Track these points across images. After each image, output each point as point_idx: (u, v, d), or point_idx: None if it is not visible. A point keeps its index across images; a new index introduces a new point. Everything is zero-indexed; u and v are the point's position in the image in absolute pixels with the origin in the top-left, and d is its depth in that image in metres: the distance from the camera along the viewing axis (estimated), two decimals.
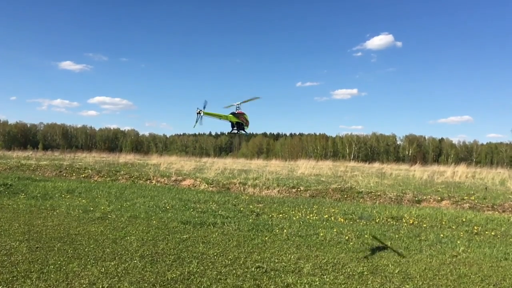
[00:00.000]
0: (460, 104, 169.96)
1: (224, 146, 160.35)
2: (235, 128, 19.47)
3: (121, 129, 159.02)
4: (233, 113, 19.13)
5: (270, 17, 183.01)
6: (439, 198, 17.34)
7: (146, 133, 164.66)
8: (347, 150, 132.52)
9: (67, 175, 24.06)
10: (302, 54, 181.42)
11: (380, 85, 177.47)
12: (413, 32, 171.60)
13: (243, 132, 19.76)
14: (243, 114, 19.54)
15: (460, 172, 29.76)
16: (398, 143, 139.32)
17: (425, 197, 17.54)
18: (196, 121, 17.69)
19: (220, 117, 18.79)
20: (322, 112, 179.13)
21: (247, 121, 19.75)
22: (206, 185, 20.85)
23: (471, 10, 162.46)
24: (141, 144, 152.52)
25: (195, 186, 21.01)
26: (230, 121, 19.40)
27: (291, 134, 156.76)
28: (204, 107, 17.62)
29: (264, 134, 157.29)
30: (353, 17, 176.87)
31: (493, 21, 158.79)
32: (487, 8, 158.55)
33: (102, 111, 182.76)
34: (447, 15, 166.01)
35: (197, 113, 17.53)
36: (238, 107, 19.27)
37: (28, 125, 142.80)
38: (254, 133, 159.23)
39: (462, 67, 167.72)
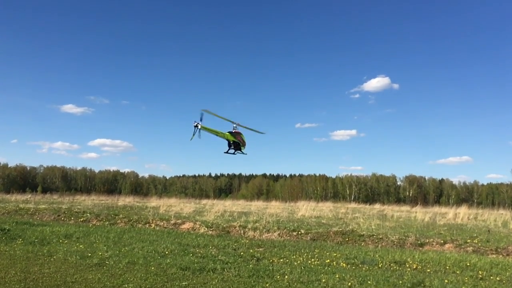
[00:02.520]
0: (459, 145, 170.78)
1: (223, 188, 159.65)
2: (232, 147, 19.34)
3: (120, 171, 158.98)
4: (230, 132, 19.10)
5: (270, 60, 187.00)
6: (442, 241, 17.11)
7: (146, 175, 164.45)
8: (347, 191, 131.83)
9: (65, 219, 23.82)
10: (301, 96, 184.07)
11: (378, 126, 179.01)
12: (409, 75, 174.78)
13: (240, 152, 19.63)
14: (240, 134, 19.48)
15: (462, 214, 29.54)
16: (398, 183, 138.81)
17: (427, 240, 17.31)
18: (193, 134, 17.61)
19: (217, 133, 18.70)
20: (322, 153, 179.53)
21: (243, 141, 19.67)
22: (206, 228, 20.61)
23: (466, 51, 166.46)
24: (140, 186, 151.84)
25: (195, 229, 20.77)
26: (227, 139, 19.28)
27: (290, 175, 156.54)
28: (201, 119, 17.54)
29: (264, 175, 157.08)
30: (350, 60, 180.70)
31: (490, 62, 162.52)
32: (482, 49, 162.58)
33: (102, 153, 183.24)
34: (442, 58, 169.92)
35: (194, 126, 17.45)
36: (236, 126, 19.27)
37: (28, 168, 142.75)
38: (254, 174, 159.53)
39: (459, 108, 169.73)
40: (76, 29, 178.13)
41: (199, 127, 17.57)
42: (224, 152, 19.57)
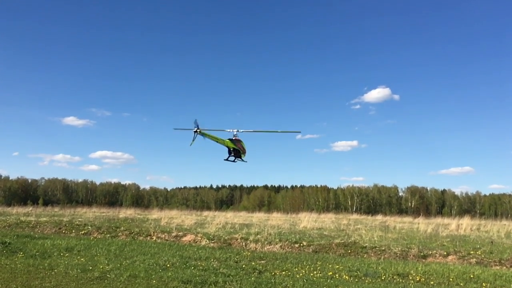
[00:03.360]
0: (460, 155, 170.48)
1: (225, 199, 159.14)
2: (232, 154, 19.23)
3: (122, 183, 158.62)
4: (230, 139, 19.01)
5: (269, 72, 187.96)
6: (445, 252, 17.00)
7: (147, 187, 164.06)
8: (349, 202, 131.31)
9: (66, 232, 23.75)
10: (301, 107, 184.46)
11: (379, 137, 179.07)
12: (410, 85, 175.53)
13: (240, 159, 19.52)
14: (240, 141, 19.40)
15: (465, 225, 29.40)
16: (400, 194, 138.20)
17: (430, 252, 17.20)
18: (193, 140, 17.57)
19: (217, 140, 18.60)
20: (323, 164, 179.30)
21: (244, 149, 19.57)
22: (207, 240, 20.51)
23: (467, 61, 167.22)
24: (141, 198, 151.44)
25: (196, 242, 20.67)
26: (227, 146, 19.18)
27: (292, 187, 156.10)
28: (198, 126, 17.50)
29: (265, 187, 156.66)
30: (350, 71, 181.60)
31: (491, 72, 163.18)
32: (483, 59, 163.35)
33: (104, 165, 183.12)
34: (443, 68, 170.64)
35: (194, 132, 17.42)
36: (236, 134, 19.19)
37: (29, 181, 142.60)
38: (255, 185, 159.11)
39: (460, 118, 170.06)
40: (77, 41, 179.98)
41: (198, 132, 17.53)
42: (224, 159, 19.50)
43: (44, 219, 28.95)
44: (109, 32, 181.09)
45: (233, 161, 19.55)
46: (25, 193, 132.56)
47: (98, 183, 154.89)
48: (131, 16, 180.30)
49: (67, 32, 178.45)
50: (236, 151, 19.32)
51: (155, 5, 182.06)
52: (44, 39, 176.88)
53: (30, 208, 51.04)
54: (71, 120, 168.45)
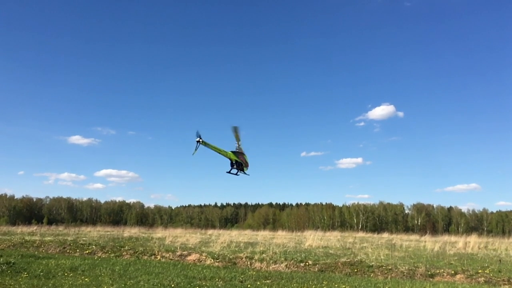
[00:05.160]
0: (466, 172, 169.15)
1: (229, 217, 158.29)
2: (235, 167, 19.18)
3: (126, 201, 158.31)
4: (233, 151, 18.98)
5: (274, 89, 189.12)
6: (453, 271, 16.77)
7: (151, 205, 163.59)
8: (355, 220, 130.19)
9: (70, 251, 23.67)
10: (306, 125, 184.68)
11: (384, 154, 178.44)
12: (414, 102, 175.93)
13: (242, 172, 19.45)
14: (243, 154, 19.38)
15: (472, 243, 29.05)
16: (406, 212, 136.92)
17: (438, 271, 16.97)
18: (195, 149, 17.62)
19: (219, 151, 18.58)
20: (328, 181, 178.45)
21: (246, 162, 19.54)
22: (212, 260, 20.35)
23: (472, 77, 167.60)
24: (146, 217, 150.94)
25: (201, 261, 20.52)
26: (229, 158, 19.15)
27: (297, 204, 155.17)
28: (200, 137, 17.54)
29: (270, 204, 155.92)
30: (354, 88, 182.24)
31: (497, 88, 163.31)
32: (489, 74, 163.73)
33: (108, 183, 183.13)
34: (447, 85, 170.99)
35: (197, 141, 17.45)
36: (239, 147, 19.18)
37: (34, 199, 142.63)
38: (260, 203, 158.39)
39: (466, 135, 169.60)
40: (83, 60, 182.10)
41: (201, 142, 17.60)
42: (227, 172, 19.50)
43: (49, 238, 28.90)
44: (114, 50, 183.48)
45: (236, 174, 19.54)
46: (29, 212, 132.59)
47: (102, 201, 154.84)
48: (135, 37, 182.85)
49: (72, 49, 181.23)
50: (239, 163, 19.33)
51: (161, 22, 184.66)
52: (49, 58, 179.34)
53: (35, 227, 51.03)
54: (76, 139, 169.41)
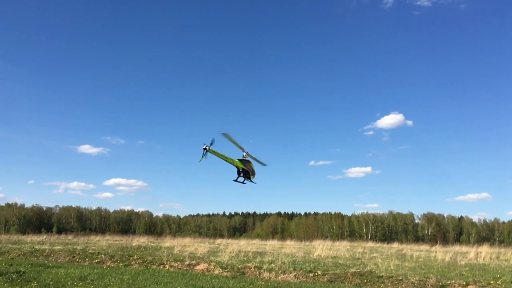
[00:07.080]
0: (477, 181, 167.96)
1: (238, 226, 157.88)
2: (241, 175, 19.16)
3: (135, 210, 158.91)
4: (240, 159, 18.97)
5: (283, 99, 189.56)
6: (464, 282, 16.54)
7: (160, 214, 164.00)
8: (364, 229, 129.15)
9: (80, 260, 23.74)
10: (314, 134, 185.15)
11: (393, 163, 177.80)
12: (423, 111, 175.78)
13: (249, 180, 19.43)
14: (249, 162, 19.37)
15: (484, 253, 28.67)
16: (416, 221, 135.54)
17: (449, 282, 16.74)
18: (202, 156, 17.64)
19: (226, 159, 18.58)
20: (336, 191, 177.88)
21: (253, 170, 19.54)
22: (221, 269, 20.29)
23: (482, 86, 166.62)
24: (154, 226, 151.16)
25: (209, 270, 20.46)
26: (236, 166, 19.13)
27: (305, 213, 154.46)
28: (211, 144, 17.55)
29: (279, 214, 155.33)
30: (362, 97, 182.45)
31: (507, 97, 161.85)
32: (499, 83, 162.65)
33: (117, 192, 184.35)
34: (456, 93, 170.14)
35: (204, 149, 17.47)
36: (245, 155, 19.18)
37: (44, 209, 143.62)
38: (268, 212, 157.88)
39: (476, 143, 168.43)
40: (93, 71, 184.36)
41: (208, 149, 17.65)
42: (233, 180, 19.51)
43: (58, 247, 29.03)
44: (124, 61, 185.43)
45: (243, 182, 19.55)
46: (39, 221, 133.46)
47: (111, 210, 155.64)
48: (143, 49, 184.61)
49: (82, 61, 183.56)
50: (245, 172, 19.35)
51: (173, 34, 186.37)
52: (60, 68, 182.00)
53: (45, 236, 51.34)
54: (86, 148, 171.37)
